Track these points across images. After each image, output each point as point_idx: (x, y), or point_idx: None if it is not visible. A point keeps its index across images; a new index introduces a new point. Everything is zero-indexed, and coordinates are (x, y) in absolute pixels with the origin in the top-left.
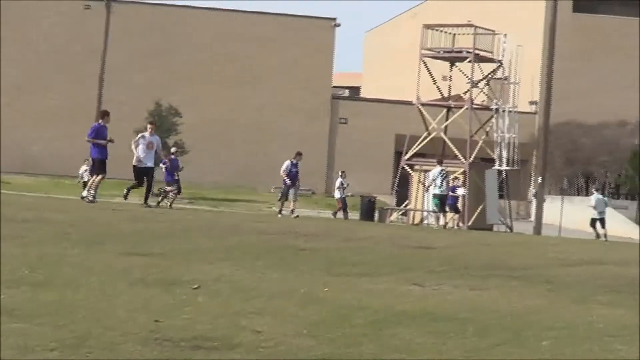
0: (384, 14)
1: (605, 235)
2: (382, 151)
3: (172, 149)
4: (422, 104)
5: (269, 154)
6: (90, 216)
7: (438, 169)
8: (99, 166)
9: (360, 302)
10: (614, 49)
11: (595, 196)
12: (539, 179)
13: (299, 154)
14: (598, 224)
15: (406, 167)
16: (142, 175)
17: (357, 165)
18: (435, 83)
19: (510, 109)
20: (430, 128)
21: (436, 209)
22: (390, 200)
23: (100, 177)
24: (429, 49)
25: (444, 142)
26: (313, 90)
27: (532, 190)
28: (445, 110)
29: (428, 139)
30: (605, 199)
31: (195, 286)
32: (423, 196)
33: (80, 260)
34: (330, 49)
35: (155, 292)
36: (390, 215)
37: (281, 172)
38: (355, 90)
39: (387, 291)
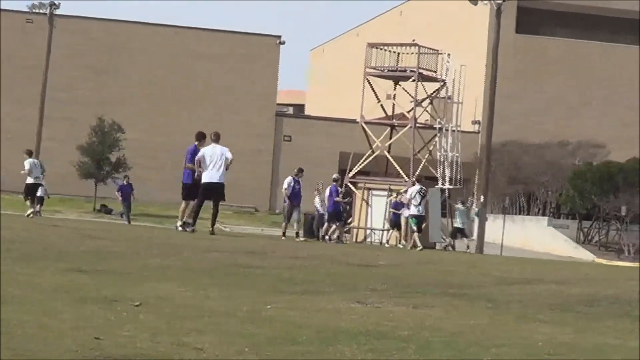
0: (329, 33)
1: (468, 247)
2: (326, 169)
3: (334, 176)
4: (366, 122)
5: None
6: (32, 233)
7: (417, 187)
8: (195, 192)
9: (304, 320)
10: (556, 70)
11: (457, 207)
12: (482, 198)
13: (301, 170)
14: (458, 235)
15: (350, 185)
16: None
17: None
18: (379, 101)
19: (454, 128)
20: (374, 146)
21: (414, 229)
22: None
23: (188, 202)
24: (373, 68)
25: (388, 160)
26: (257, 107)
27: (474, 209)
28: (389, 128)
29: (372, 157)
30: (464, 208)
31: (137, 303)
32: (366, 214)
33: (21, 277)
34: (275, 67)
35: (96, 309)
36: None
37: (283, 190)
38: (299, 108)
39: (330, 309)
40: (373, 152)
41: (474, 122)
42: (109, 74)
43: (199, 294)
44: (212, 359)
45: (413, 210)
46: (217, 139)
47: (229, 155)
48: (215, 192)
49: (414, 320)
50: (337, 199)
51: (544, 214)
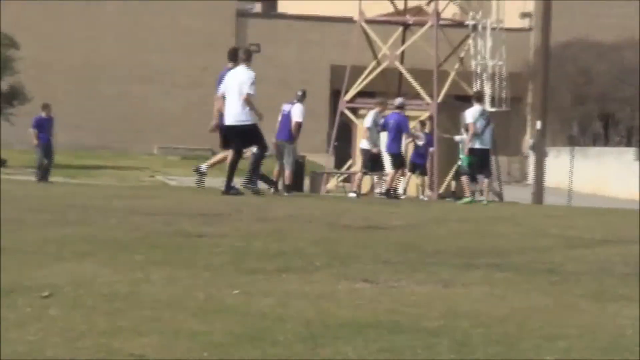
0: None
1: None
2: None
3: (398, 101)
4: (367, 21)
5: (149, 100)
6: None
7: (477, 108)
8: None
9: (286, 309)
10: None
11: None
12: (538, 124)
13: (304, 93)
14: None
15: (347, 113)
16: None
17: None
18: None
19: (494, 25)
20: (380, 56)
21: (466, 170)
22: (326, 160)
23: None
24: None
25: (400, 74)
26: (211, 6)
27: (529, 140)
28: (400, 29)
29: (377, 70)
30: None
31: (46, 294)
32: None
33: None
34: None
35: None
36: (327, 182)
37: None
38: (270, 3)
39: (324, 292)
40: (379, 63)
41: (524, 15)
42: None
43: (132, 277)
44: None
45: (474, 143)
46: (246, 57)
47: (245, 89)
48: (232, 135)
49: (445, 304)
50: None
51: (629, 144)
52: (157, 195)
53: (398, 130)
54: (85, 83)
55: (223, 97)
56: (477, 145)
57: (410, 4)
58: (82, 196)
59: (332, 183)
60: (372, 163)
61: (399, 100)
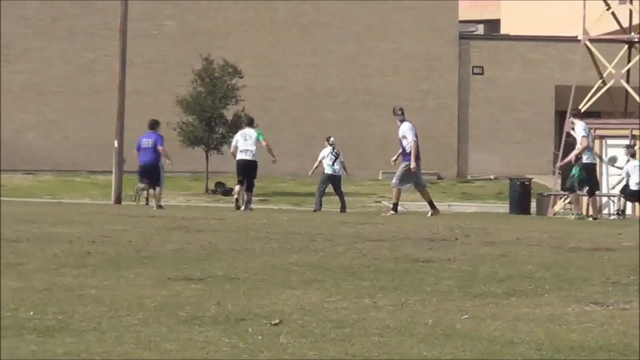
0: None
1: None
2: (537, 111)
3: None
4: (592, 40)
5: (372, 126)
6: (116, 228)
7: (581, 123)
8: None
9: (515, 332)
10: None
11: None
12: None
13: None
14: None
15: (573, 133)
16: None
17: (500, 134)
18: (609, 8)
19: None
20: (605, 74)
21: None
22: (552, 182)
23: None
24: None
25: (627, 93)
26: (432, 29)
27: None
28: (625, 47)
29: (602, 90)
30: None
31: (275, 321)
32: (600, 173)
33: (96, 293)
34: None
35: (216, 333)
36: (555, 204)
37: None
38: (492, 25)
39: (553, 315)
40: (604, 82)
41: None
42: None
43: (359, 304)
44: None
45: (588, 158)
46: None
47: None
48: None
49: None
50: None
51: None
52: (383, 220)
53: None
54: (308, 110)
55: None
56: (590, 160)
57: (636, 21)
58: (307, 223)
59: (559, 205)
60: None
61: None
